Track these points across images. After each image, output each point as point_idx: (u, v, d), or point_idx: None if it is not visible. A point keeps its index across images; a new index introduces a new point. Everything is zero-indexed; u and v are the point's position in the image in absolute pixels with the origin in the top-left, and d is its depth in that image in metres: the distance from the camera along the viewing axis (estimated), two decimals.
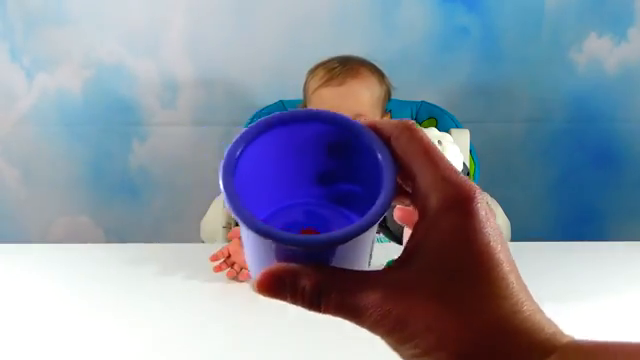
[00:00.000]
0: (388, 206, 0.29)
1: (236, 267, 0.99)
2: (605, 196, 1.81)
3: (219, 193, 1.67)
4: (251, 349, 0.77)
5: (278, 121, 0.31)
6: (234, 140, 0.30)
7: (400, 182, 0.30)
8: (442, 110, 1.50)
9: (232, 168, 0.29)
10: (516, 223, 1.37)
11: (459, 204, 0.28)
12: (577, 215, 1.82)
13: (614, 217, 1.82)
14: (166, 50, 1.71)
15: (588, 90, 1.74)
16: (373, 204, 0.29)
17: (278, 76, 1.69)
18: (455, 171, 0.28)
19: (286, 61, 1.68)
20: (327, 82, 1.26)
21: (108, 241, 1.82)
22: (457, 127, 1.45)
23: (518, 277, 0.28)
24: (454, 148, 0.88)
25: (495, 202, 1.38)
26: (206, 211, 1.44)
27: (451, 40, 1.70)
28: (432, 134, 0.88)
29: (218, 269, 0.99)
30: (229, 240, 1.03)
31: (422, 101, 1.52)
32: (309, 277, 0.28)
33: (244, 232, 0.31)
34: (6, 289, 0.97)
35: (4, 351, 0.76)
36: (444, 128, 1.37)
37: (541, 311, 0.27)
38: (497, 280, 0.27)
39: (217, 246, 1.02)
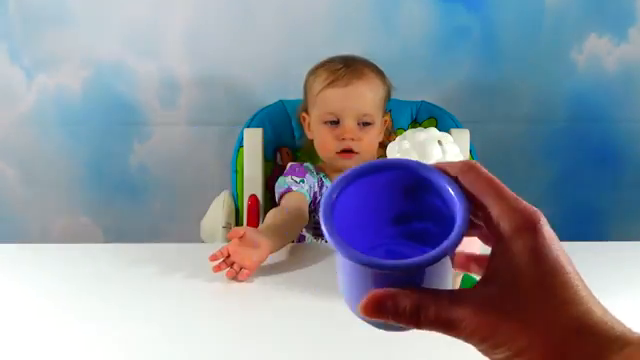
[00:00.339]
0: (466, 230, 0.33)
1: (235, 267, 0.99)
2: (605, 196, 1.81)
3: (219, 193, 1.66)
4: (251, 349, 0.77)
5: (357, 174, 0.36)
6: (328, 191, 0.36)
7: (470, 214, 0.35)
8: (442, 110, 1.50)
9: (330, 211, 0.35)
10: None
11: (527, 228, 0.33)
12: (577, 215, 1.82)
13: (614, 217, 1.82)
14: (166, 50, 1.71)
15: (588, 90, 1.74)
16: (446, 237, 0.33)
17: (278, 76, 1.69)
18: (519, 199, 0.34)
19: (286, 61, 1.68)
20: (332, 83, 1.28)
21: (107, 241, 1.81)
22: (457, 127, 1.44)
23: (585, 285, 0.33)
24: (454, 148, 0.88)
25: None
26: (206, 211, 1.44)
27: (451, 40, 1.70)
28: (432, 134, 0.88)
29: (217, 269, 0.99)
30: (229, 240, 1.03)
31: (422, 101, 1.51)
32: (409, 298, 0.33)
33: (341, 263, 0.35)
34: (5, 289, 0.97)
35: (4, 351, 0.76)
36: (444, 128, 1.37)
37: (609, 313, 0.32)
38: (568, 288, 0.32)
39: (217, 246, 1.02)
